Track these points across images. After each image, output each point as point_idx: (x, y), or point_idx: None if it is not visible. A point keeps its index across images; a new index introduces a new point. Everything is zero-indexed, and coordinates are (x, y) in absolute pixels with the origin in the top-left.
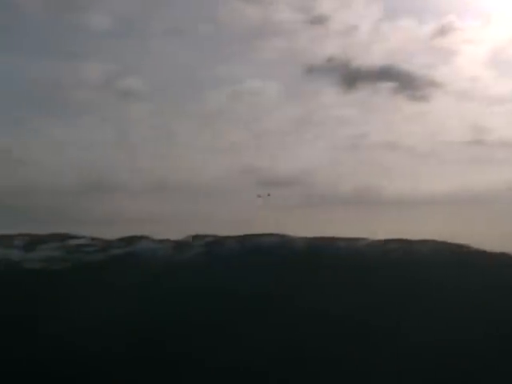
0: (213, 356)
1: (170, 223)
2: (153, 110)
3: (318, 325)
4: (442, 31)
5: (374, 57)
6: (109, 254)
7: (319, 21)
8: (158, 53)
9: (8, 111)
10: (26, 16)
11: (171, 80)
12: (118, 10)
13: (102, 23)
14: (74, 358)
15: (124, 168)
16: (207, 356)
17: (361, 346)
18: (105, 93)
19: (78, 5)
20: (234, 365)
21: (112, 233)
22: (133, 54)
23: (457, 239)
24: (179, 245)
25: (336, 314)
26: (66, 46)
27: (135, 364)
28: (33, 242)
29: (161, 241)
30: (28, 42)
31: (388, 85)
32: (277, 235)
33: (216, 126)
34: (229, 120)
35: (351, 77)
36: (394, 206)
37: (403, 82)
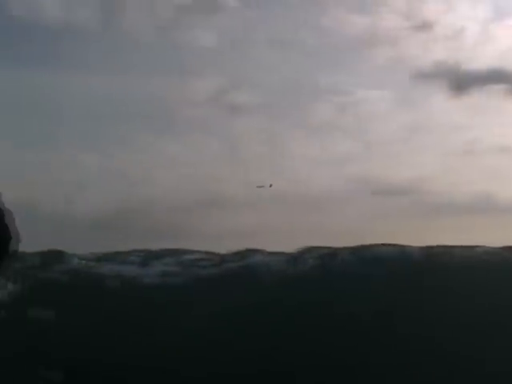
0: (331, 368)
1: (282, 236)
2: (262, 123)
3: (439, 333)
4: None
5: (483, 59)
6: (224, 268)
7: (425, 26)
8: (264, 65)
9: (121, 129)
10: (135, 36)
11: (279, 92)
12: (221, 25)
13: (208, 39)
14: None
15: (235, 182)
16: (323, 368)
17: (485, 350)
18: (213, 108)
19: (184, 22)
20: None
21: (225, 247)
22: (239, 68)
23: None
24: (293, 257)
25: (458, 321)
26: (173, 63)
27: (254, 376)
28: (147, 257)
29: (274, 254)
30: (137, 61)
31: (499, 87)
32: (393, 245)
33: (326, 137)
34: (339, 130)
35: (461, 81)
36: (510, 211)
37: None
